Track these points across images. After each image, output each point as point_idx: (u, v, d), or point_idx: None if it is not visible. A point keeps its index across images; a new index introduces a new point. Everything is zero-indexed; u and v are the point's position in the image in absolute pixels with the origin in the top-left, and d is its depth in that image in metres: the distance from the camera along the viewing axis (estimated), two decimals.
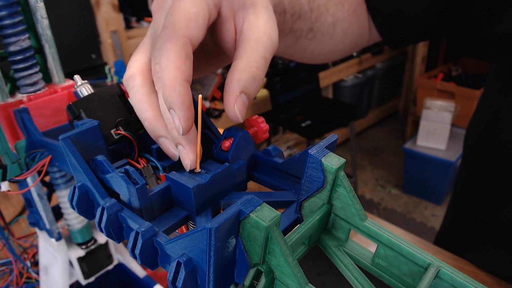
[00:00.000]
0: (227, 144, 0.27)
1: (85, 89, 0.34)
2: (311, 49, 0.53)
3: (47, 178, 0.44)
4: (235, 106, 0.26)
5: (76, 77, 0.34)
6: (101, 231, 0.24)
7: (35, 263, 0.52)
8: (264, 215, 0.19)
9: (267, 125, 0.29)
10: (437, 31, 0.58)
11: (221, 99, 1.96)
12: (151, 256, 0.22)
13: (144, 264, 0.22)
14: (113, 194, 0.25)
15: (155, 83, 0.29)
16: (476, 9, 0.52)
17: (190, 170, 0.27)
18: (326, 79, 2.35)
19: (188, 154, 0.27)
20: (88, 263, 0.47)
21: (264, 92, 2.06)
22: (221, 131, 0.29)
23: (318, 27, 0.50)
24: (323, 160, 0.22)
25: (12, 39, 0.36)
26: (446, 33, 0.60)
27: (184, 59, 0.26)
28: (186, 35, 0.27)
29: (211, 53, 0.35)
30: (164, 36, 0.27)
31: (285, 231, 0.24)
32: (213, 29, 0.31)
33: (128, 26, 1.57)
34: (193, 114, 0.26)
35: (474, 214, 0.64)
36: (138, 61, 0.30)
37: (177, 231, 0.26)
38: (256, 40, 0.28)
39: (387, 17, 0.56)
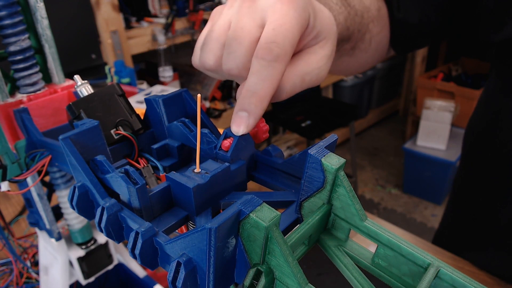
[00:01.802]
0: (227, 144, 0.27)
1: (85, 89, 0.34)
2: (347, 64, 0.54)
3: (47, 178, 0.44)
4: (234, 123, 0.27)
5: (76, 77, 0.34)
6: (101, 231, 0.24)
7: (35, 263, 0.52)
8: (264, 215, 0.19)
9: (267, 125, 0.29)
10: (441, 36, 0.59)
11: (221, 99, 1.96)
12: (151, 256, 0.22)
13: (144, 264, 0.22)
14: (113, 194, 0.25)
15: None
16: (478, 12, 0.52)
17: (190, 170, 0.27)
18: (326, 79, 2.35)
19: (248, 123, 0.27)
20: (88, 263, 0.47)
21: None
22: (221, 131, 0.29)
23: (358, 45, 0.51)
24: (323, 160, 0.22)
25: (12, 39, 0.36)
26: (450, 36, 0.60)
27: (279, 79, 0.28)
28: (288, 59, 0.28)
29: None
30: (278, 49, 0.27)
31: (285, 231, 0.24)
32: None
33: (128, 26, 1.57)
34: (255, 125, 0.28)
35: (472, 214, 0.64)
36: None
37: (177, 231, 0.26)
38: (305, 68, 0.30)
39: (395, 24, 0.57)
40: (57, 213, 0.45)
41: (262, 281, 0.19)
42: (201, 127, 0.29)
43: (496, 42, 0.52)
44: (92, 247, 0.47)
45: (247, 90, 0.27)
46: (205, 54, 0.31)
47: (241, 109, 0.27)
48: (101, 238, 0.48)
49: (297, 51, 0.31)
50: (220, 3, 1.78)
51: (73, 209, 0.26)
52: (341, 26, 0.43)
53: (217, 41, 0.30)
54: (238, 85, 0.31)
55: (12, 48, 0.36)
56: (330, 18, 0.33)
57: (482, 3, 0.51)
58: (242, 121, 0.27)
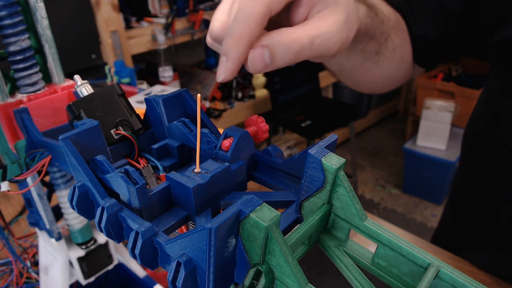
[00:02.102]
0: (227, 144, 0.27)
1: (85, 89, 0.34)
2: (373, 73, 0.54)
3: (47, 178, 0.44)
4: (251, 53, 0.28)
5: (76, 77, 0.34)
6: (101, 231, 0.24)
7: (35, 263, 0.52)
8: (264, 215, 0.19)
9: (267, 125, 0.29)
10: (462, 49, 0.59)
11: (221, 99, 1.96)
12: (151, 256, 0.22)
13: (144, 264, 0.22)
14: (113, 194, 0.25)
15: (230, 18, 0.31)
16: (479, 13, 0.52)
17: (190, 170, 0.27)
18: (326, 79, 2.35)
19: (226, 66, 0.28)
20: (88, 263, 0.47)
21: (264, 92, 2.06)
22: (221, 131, 0.29)
23: (383, 50, 0.51)
24: (323, 160, 0.22)
25: (12, 39, 0.36)
26: (464, 46, 0.60)
27: (259, 23, 0.28)
28: (268, 3, 0.28)
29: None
30: None
31: (285, 231, 0.24)
32: (289, 7, 0.33)
33: (128, 26, 1.57)
34: (237, 70, 0.29)
35: (472, 213, 0.64)
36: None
37: (177, 231, 0.26)
38: (314, 31, 0.30)
39: (415, 40, 0.57)
40: (57, 213, 0.45)
41: (262, 281, 0.19)
42: (201, 127, 0.29)
43: (496, 42, 0.52)
44: (92, 247, 0.47)
45: (226, 36, 0.28)
46: (212, 22, 0.33)
47: (221, 54, 0.28)
48: (101, 238, 0.48)
49: (307, 17, 0.32)
50: (219, 3, 1.78)
51: (73, 209, 0.26)
52: (362, 17, 0.42)
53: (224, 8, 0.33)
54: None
55: (12, 48, 0.36)
56: None
57: (482, 3, 0.51)
58: (221, 66, 0.28)
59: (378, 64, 0.52)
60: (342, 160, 0.22)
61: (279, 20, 0.34)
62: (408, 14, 0.56)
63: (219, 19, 0.33)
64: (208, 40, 0.35)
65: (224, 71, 0.28)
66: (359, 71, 0.53)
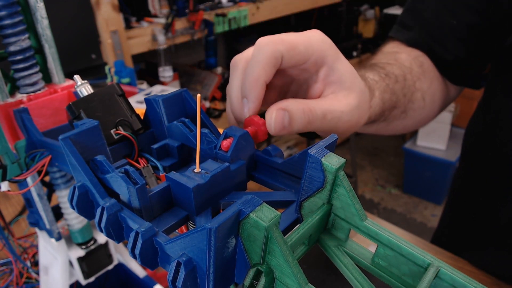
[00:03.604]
0: (226, 144, 0.27)
1: (85, 89, 0.34)
2: (402, 126, 0.55)
3: (47, 178, 0.44)
4: (273, 114, 0.31)
5: (76, 77, 0.34)
6: (101, 231, 0.24)
7: (35, 263, 0.52)
8: (264, 215, 0.19)
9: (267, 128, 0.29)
10: (482, 56, 0.59)
11: (221, 99, 1.96)
12: (151, 256, 0.22)
13: (144, 264, 0.22)
14: (113, 194, 0.25)
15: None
16: (496, 19, 0.53)
17: (190, 170, 0.27)
18: None
19: (249, 107, 0.32)
20: (88, 263, 0.47)
21: None
22: (221, 131, 0.29)
23: (410, 106, 0.52)
24: (323, 160, 0.22)
25: (12, 39, 0.36)
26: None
27: (272, 64, 0.32)
28: (279, 50, 0.32)
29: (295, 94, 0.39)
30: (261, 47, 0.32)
31: (285, 231, 0.24)
32: (306, 82, 0.36)
33: (128, 26, 1.56)
34: (259, 108, 0.33)
35: (472, 213, 0.64)
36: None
37: (177, 231, 0.26)
38: (327, 107, 0.33)
39: (448, 65, 0.57)
40: (57, 213, 0.45)
41: (262, 281, 0.19)
42: (201, 127, 0.29)
43: (508, 45, 0.52)
44: (92, 247, 0.47)
45: (244, 80, 0.32)
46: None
47: (242, 95, 0.33)
48: (101, 238, 0.48)
49: (322, 95, 0.35)
50: (220, 3, 1.78)
51: (73, 209, 0.26)
52: (379, 100, 0.44)
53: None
54: None
55: (12, 48, 0.36)
56: (353, 73, 0.36)
57: (497, 10, 0.51)
58: (245, 107, 0.32)
59: (407, 118, 0.53)
60: (342, 160, 0.22)
61: (297, 92, 0.38)
62: (432, 45, 0.56)
63: (235, 98, 0.35)
64: (230, 117, 0.37)
65: (247, 112, 0.32)
66: (387, 129, 0.54)
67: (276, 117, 0.31)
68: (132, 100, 1.04)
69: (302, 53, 0.32)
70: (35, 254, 0.53)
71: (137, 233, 0.21)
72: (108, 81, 1.41)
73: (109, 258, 0.50)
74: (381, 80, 0.46)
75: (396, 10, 2.54)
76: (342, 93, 0.35)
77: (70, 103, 0.30)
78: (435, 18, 0.56)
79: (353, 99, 0.35)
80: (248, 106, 0.32)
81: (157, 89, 1.23)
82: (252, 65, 0.32)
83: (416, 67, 0.53)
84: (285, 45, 0.32)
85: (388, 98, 0.46)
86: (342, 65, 0.35)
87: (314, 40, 0.33)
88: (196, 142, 0.27)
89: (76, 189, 0.25)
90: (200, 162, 0.27)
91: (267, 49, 0.31)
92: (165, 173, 0.29)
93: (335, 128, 0.34)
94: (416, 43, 0.57)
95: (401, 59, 0.53)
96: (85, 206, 0.26)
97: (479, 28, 0.54)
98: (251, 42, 0.35)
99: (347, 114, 0.34)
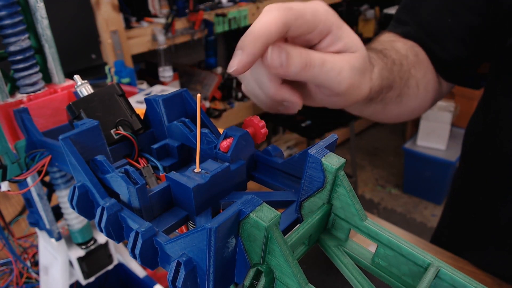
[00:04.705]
0: (226, 144, 0.27)
1: (85, 89, 0.34)
2: (396, 112, 0.55)
3: (47, 178, 0.44)
4: (270, 49, 0.30)
5: (76, 77, 0.34)
6: (101, 231, 0.24)
7: (35, 263, 0.52)
8: (264, 215, 0.19)
9: (266, 130, 0.29)
10: (482, 56, 0.59)
11: (221, 99, 1.96)
12: (151, 256, 0.22)
13: (144, 264, 0.22)
14: (113, 194, 0.25)
15: None
16: (497, 20, 0.53)
17: (190, 170, 0.27)
18: None
19: (240, 59, 0.30)
20: (88, 263, 0.47)
21: None
22: (221, 131, 0.29)
23: (405, 91, 0.52)
24: (323, 160, 0.22)
25: (12, 39, 0.36)
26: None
27: (278, 28, 0.30)
28: (287, 17, 0.31)
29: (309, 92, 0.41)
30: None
31: (285, 231, 0.24)
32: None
33: (128, 26, 1.56)
34: (250, 66, 0.30)
35: (472, 213, 0.64)
36: None
37: (177, 231, 0.26)
38: (327, 57, 0.33)
39: (443, 63, 0.57)
40: (57, 213, 0.45)
41: (262, 281, 0.19)
42: (201, 127, 0.29)
43: (507, 46, 0.52)
44: (92, 247, 0.47)
45: (245, 34, 0.30)
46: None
47: (237, 48, 0.30)
48: (101, 238, 0.48)
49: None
50: (220, 3, 1.78)
51: (73, 209, 0.26)
52: (378, 75, 0.44)
53: None
54: (238, 85, 0.33)
55: (12, 48, 0.36)
56: (357, 39, 0.36)
57: (498, 10, 0.51)
58: (235, 57, 0.30)
59: (401, 103, 0.53)
60: (342, 160, 0.22)
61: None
62: (429, 42, 0.56)
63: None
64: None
65: (237, 63, 0.30)
66: (383, 113, 0.54)
67: (273, 52, 0.30)
68: (132, 100, 1.04)
69: (309, 22, 0.32)
70: (35, 254, 0.53)
71: (137, 233, 0.21)
72: (108, 81, 1.41)
73: (109, 258, 0.50)
74: (380, 60, 0.46)
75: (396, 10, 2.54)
76: (347, 53, 0.35)
77: (70, 103, 0.30)
78: (434, 17, 0.56)
79: (356, 60, 0.35)
80: (239, 58, 0.30)
81: (157, 89, 1.23)
82: (256, 23, 0.30)
83: (412, 56, 0.54)
84: (293, 13, 0.31)
85: (386, 76, 0.46)
86: (347, 33, 0.35)
87: (320, 9, 0.33)
88: (196, 142, 0.27)
89: (76, 189, 0.25)
90: (200, 162, 0.27)
91: (275, 14, 0.30)
92: (165, 173, 0.29)
93: (336, 83, 0.34)
94: (411, 36, 0.57)
95: (397, 46, 0.53)
96: (85, 206, 0.26)
97: (479, 28, 0.54)
98: None
99: (347, 71, 0.34)
